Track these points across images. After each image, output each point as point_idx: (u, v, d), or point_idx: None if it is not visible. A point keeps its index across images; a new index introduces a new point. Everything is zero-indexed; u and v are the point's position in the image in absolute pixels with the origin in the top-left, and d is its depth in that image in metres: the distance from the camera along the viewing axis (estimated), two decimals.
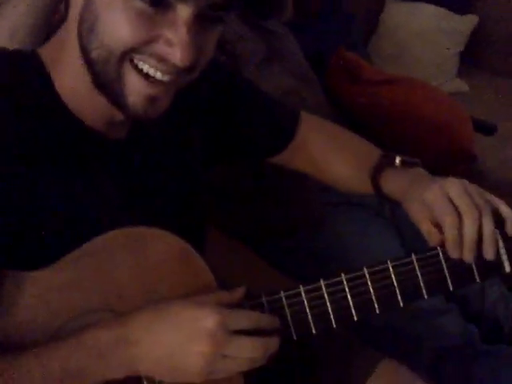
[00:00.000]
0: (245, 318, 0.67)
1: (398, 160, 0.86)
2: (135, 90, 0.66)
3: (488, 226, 0.72)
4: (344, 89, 1.70)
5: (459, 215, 0.72)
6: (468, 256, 0.72)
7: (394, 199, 0.86)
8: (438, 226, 0.75)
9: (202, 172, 0.89)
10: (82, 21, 0.66)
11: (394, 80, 1.71)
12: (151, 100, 0.67)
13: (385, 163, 0.88)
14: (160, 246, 0.70)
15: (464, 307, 1.29)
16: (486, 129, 1.83)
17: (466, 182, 0.76)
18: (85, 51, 0.66)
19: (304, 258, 1.28)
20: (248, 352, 0.66)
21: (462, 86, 2.23)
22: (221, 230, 1.28)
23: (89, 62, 0.67)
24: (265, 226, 1.32)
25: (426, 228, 0.76)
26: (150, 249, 0.70)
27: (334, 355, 0.93)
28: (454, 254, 0.73)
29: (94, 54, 0.65)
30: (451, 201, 0.74)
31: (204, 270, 0.72)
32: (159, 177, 0.80)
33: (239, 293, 0.70)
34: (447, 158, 1.58)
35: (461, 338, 1.21)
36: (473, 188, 0.75)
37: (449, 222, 0.72)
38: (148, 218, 0.73)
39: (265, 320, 0.69)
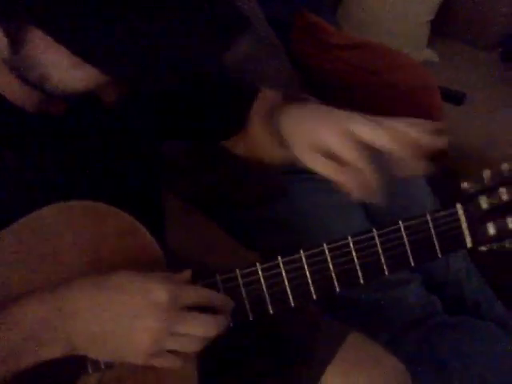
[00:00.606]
0: (197, 293, 0.63)
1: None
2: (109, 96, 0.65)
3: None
4: (309, 53, 1.66)
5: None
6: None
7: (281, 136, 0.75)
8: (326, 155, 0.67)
9: (156, 143, 0.84)
10: (18, 65, 0.61)
11: (362, 45, 1.68)
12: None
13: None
14: (104, 220, 0.65)
15: (428, 278, 1.28)
16: (454, 98, 1.84)
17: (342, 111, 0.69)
18: (34, 85, 0.63)
19: (266, 229, 1.26)
20: (200, 329, 0.61)
21: (431, 55, 2.20)
22: (182, 201, 1.26)
23: (41, 90, 0.63)
24: (226, 196, 1.30)
25: (321, 164, 0.68)
26: (94, 224, 0.65)
27: (300, 330, 0.91)
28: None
29: (54, 91, 0.62)
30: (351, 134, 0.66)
31: (152, 245, 0.67)
32: (103, 150, 0.75)
33: (185, 275, 0.66)
34: None
35: (423, 309, 1.21)
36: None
37: (351, 153, 0.65)
38: (92, 193, 0.68)
39: (218, 297, 0.65)
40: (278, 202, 1.27)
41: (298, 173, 1.29)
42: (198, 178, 1.30)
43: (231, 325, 0.67)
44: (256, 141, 0.85)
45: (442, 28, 2.25)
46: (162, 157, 0.86)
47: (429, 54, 2.20)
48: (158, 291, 0.59)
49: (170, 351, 0.62)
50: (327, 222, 1.21)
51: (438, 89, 1.64)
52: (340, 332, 0.89)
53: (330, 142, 0.67)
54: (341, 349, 0.86)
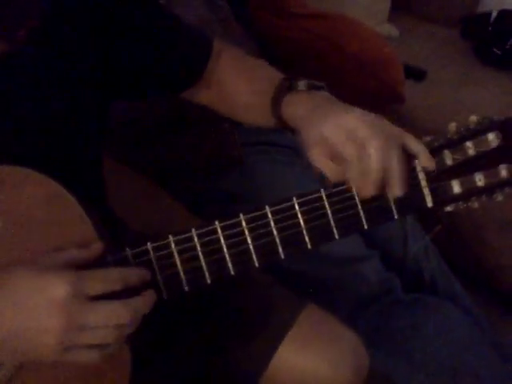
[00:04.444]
0: (103, 280, 0.57)
1: (301, 83, 0.74)
2: None
3: (395, 159, 0.61)
4: (268, 21, 1.62)
5: (363, 147, 0.62)
6: (373, 192, 0.61)
7: (294, 127, 0.75)
8: (337, 162, 0.65)
9: (99, 105, 0.78)
10: None
11: (323, 15, 1.63)
12: None
13: (286, 86, 0.76)
14: (27, 188, 0.60)
15: (386, 255, 1.25)
16: (415, 74, 1.81)
17: (368, 113, 0.66)
18: None
19: (219, 199, 1.21)
20: (111, 319, 0.57)
21: (392, 30, 2.17)
22: (134, 170, 1.22)
23: None
24: (179, 166, 1.25)
25: (320, 163, 0.65)
26: (15, 192, 0.60)
27: (255, 302, 0.86)
28: (362, 190, 0.62)
29: None
30: (352, 132, 0.63)
31: (80, 217, 0.62)
32: (37, 107, 0.69)
33: (96, 249, 0.60)
34: (375, 97, 1.53)
35: (380, 287, 1.19)
36: (377, 119, 0.65)
37: (351, 152, 0.62)
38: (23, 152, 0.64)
39: (131, 276, 0.59)
40: (233, 172, 1.23)
41: (255, 144, 1.26)
42: (150, 146, 1.25)
43: (165, 297, 0.62)
44: (236, 100, 0.85)
45: (402, 3, 2.21)
46: (107, 120, 0.81)
47: (389, 29, 2.16)
48: (55, 287, 0.55)
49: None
50: (283, 195, 1.15)
51: (400, 63, 1.61)
52: (295, 304, 0.85)
53: (331, 139, 0.65)
54: (297, 322, 0.83)
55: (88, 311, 0.55)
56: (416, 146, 0.62)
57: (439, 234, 1.35)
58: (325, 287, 1.16)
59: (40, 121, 0.69)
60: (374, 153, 0.61)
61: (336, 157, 0.64)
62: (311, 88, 0.74)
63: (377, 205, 0.61)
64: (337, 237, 0.61)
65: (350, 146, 0.62)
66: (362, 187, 0.62)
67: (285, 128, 0.76)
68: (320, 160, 0.65)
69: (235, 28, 1.50)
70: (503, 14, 2.02)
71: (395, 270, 1.25)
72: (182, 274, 0.62)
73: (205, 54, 0.86)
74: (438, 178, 0.60)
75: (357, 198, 0.61)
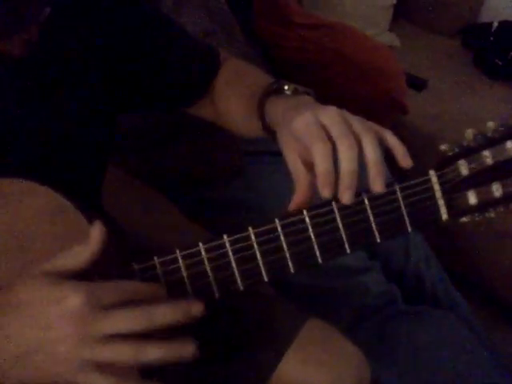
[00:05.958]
0: (115, 289, 0.56)
1: (287, 86, 0.71)
2: None
3: (371, 154, 0.57)
4: (271, 31, 1.62)
5: (333, 144, 0.58)
6: (346, 193, 0.57)
7: (274, 129, 0.72)
8: (309, 165, 0.61)
9: (106, 115, 0.78)
10: None
11: (326, 25, 1.64)
12: None
13: (272, 89, 0.73)
14: (28, 201, 0.59)
15: (387, 266, 1.26)
16: (416, 84, 1.81)
17: (345, 111, 0.62)
18: None
19: (220, 208, 1.21)
20: (126, 323, 0.54)
21: (393, 39, 2.17)
22: (136, 177, 1.21)
23: None
24: (182, 174, 1.25)
25: (291, 162, 0.62)
26: (17, 206, 0.59)
27: (258, 315, 0.86)
28: (326, 191, 0.57)
29: None
30: (324, 128, 0.59)
31: (85, 230, 0.59)
32: (42, 116, 0.69)
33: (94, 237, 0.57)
34: (378, 107, 1.52)
35: (381, 298, 1.19)
36: (352, 116, 0.61)
37: (318, 148, 0.58)
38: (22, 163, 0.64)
39: (143, 288, 0.58)
40: (234, 181, 1.23)
41: (256, 154, 1.25)
42: (153, 154, 1.25)
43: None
44: (229, 110, 0.83)
45: (403, 13, 2.22)
46: (114, 131, 0.81)
47: (390, 38, 2.17)
48: (70, 297, 0.54)
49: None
50: (283, 202, 1.14)
51: (403, 72, 1.61)
52: (298, 317, 0.85)
53: (301, 135, 0.61)
54: (299, 335, 0.82)
55: (103, 318, 0.54)
56: (392, 140, 0.60)
57: (437, 244, 1.35)
58: (326, 298, 1.16)
59: (45, 131, 0.69)
60: (344, 150, 0.57)
61: (307, 158, 0.60)
62: (297, 93, 0.72)
63: (390, 218, 0.59)
64: (348, 251, 0.59)
65: (318, 140, 0.58)
66: (328, 188, 0.57)
67: (269, 133, 0.73)
68: (290, 160, 0.62)
69: (239, 36, 1.50)
70: (504, 24, 2.04)
71: (396, 280, 1.25)
72: (189, 289, 0.61)
73: (215, 65, 0.86)
74: (453, 189, 0.58)
75: (369, 211, 0.59)
